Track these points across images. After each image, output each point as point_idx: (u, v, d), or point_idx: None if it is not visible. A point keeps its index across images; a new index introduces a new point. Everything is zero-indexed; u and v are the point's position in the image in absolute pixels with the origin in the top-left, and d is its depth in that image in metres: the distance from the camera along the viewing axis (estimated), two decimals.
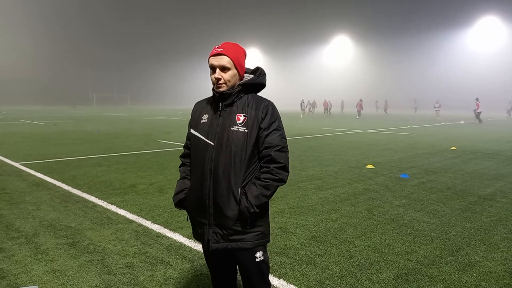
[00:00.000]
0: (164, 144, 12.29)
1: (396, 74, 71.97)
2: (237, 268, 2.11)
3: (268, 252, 2.15)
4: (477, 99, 26.51)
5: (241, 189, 1.88)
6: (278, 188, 2.11)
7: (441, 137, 15.07)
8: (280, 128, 1.94)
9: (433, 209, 5.06)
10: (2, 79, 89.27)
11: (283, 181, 1.92)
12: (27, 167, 7.98)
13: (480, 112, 26.12)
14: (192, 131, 2.04)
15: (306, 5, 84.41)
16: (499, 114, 40.89)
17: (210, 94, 2.05)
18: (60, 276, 3.11)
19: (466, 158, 9.54)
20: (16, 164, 8.36)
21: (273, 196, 2.55)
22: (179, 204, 2.08)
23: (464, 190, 6.09)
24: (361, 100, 34.52)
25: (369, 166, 8.23)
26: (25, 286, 2.95)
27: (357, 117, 32.96)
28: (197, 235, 2.02)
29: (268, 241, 2.01)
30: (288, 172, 1.94)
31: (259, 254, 1.97)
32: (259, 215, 1.93)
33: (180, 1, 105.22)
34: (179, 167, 2.20)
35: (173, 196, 2.10)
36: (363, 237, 4.03)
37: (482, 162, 8.85)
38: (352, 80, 77.51)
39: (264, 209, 1.96)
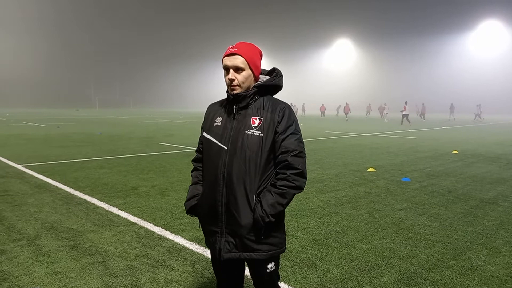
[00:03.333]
0: (166, 147, 12.31)
1: (398, 77, 71.98)
2: (244, 276, 2.10)
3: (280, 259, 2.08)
4: (406, 102, 28.94)
5: (256, 197, 1.79)
6: None
7: (443, 141, 15.05)
8: (297, 132, 1.85)
9: (434, 212, 5.05)
10: (5, 81, 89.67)
11: (300, 188, 1.83)
12: (29, 169, 8.00)
13: (407, 114, 28.23)
14: (205, 134, 1.96)
15: (308, 9, 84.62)
16: (501, 117, 40.80)
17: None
18: (61, 278, 3.12)
19: (468, 161, 9.52)
20: (19, 166, 8.39)
21: None
22: (191, 210, 1.99)
23: (466, 194, 6.08)
24: (347, 104, 37.52)
25: (371, 169, 8.23)
26: None
27: (347, 119, 35.63)
28: (209, 243, 1.94)
29: (282, 252, 1.92)
30: (305, 178, 1.84)
31: (270, 265, 1.91)
32: (274, 225, 1.84)
33: (184, 7, 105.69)
34: (191, 171, 2.11)
35: (185, 203, 2.01)
36: (364, 240, 4.02)
37: (484, 166, 8.83)
38: (354, 83, 77.53)
39: (279, 218, 1.88)
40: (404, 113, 27.91)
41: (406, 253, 3.69)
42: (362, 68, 78.52)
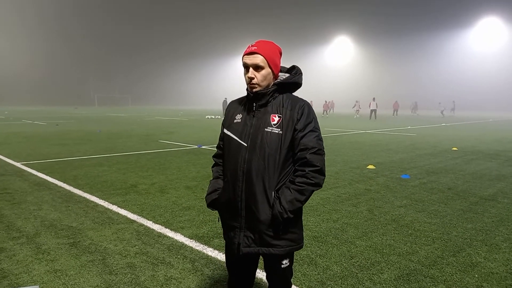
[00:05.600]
0: (166, 144, 12.30)
1: (397, 74, 71.92)
2: (256, 271, 2.13)
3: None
4: (373, 99, 31.34)
5: (274, 193, 1.82)
6: None
7: (442, 138, 15.06)
8: (316, 129, 1.87)
9: (434, 209, 5.05)
10: (3, 79, 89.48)
11: (319, 185, 1.84)
12: (28, 167, 7.99)
13: (374, 110, 30.90)
14: (225, 130, 1.99)
15: (307, 6, 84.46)
16: (500, 114, 40.85)
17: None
18: (61, 276, 3.11)
19: (467, 158, 9.52)
20: (18, 164, 8.37)
21: None
22: (211, 204, 2.02)
23: (466, 191, 6.08)
24: (326, 101, 40.49)
25: (370, 166, 8.23)
26: (26, 286, 2.95)
27: (323, 115, 37.73)
28: (227, 237, 1.97)
29: (300, 248, 1.95)
30: (324, 175, 1.86)
31: (285, 261, 1.94)
32: (292, 221, 1.87)
33: (183, 5, 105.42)
34: (212, 167, 2.15)
35: (206, 196, 2.04)
36: (364, 237, 4.02)
37: (484, 163, 8.83)
38: (352, 80, 77.49)
39: (298, 214, 1.90)
40: (371, 108, 30.96)
41: (406, 250, 3.69)
42: (360, 65, 78.44)
